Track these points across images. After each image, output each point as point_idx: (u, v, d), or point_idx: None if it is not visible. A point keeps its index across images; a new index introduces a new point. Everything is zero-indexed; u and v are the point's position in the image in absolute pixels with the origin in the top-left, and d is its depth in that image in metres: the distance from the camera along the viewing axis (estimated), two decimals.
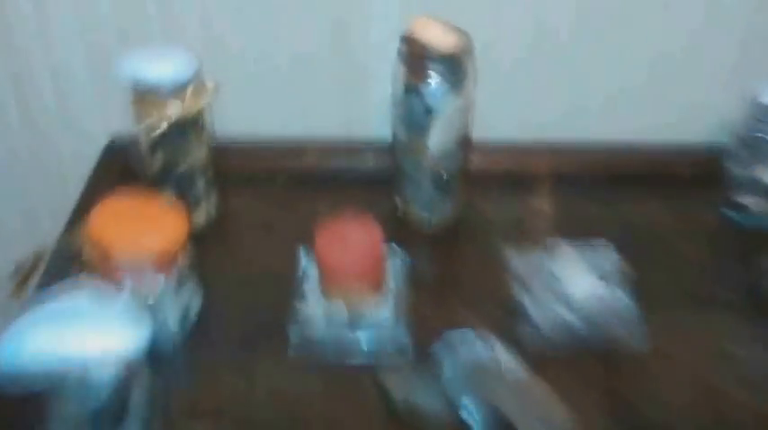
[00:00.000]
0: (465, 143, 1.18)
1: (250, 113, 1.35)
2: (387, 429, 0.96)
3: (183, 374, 1.05)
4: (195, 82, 1.11)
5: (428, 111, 1.13)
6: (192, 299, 1.07)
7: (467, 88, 1.13)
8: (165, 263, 1.00)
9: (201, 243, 1.11)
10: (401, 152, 1.20)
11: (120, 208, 1.02)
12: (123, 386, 0.86)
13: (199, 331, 1.07)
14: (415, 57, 1.11)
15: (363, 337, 1.05)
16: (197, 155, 1.17)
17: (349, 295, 1.05)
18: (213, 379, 1.02)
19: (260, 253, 1.18)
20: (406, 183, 1.21)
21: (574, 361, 1.01)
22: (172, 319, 1.03)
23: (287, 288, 1.08)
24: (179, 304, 1.03)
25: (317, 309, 1.06)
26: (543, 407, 0.94)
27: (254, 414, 0.97)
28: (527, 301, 1.07)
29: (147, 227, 1.00)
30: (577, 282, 1.08)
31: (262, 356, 1.04)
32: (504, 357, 1.00)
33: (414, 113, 1.14)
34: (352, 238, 1.05)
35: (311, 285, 1.09)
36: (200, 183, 1.19)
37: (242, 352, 1.05)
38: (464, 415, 0.94)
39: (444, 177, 1.19)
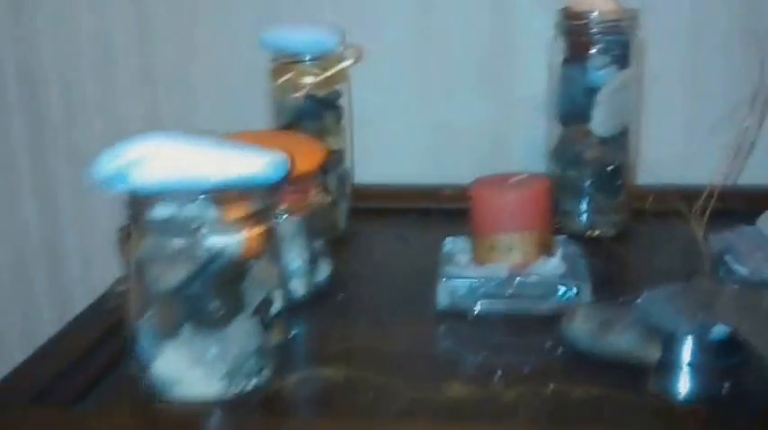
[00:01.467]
0: (632, 131, 1.03)
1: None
2: (563, 373, 0.72)
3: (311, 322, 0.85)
4: (336, 51, 1.02)
5: (590, 89, 1.00)
6: (322, 263, 0.89)
7: (633, 62, 1.00)
8: (299, 188, 0.84)
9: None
10: (558, 150, 1.04)
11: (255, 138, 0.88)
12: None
13: (328, 296, 0.88)
14: (575, 26, 1.00)
15: (527, 290, 0.84)
16: (333, 142, 1.04)
17: (509, 252, 0.85)
18: (346, 329, 0.82)
19: (396, 257, 1.00)
20: (563, 188, 1.04)
21: None
22: (299, 263, 0.85)
23: (430, 277, 0.88)
24: (307, 251, 0.86)
25: (468, 273, 0.86)
26: None
27: (389, 364, 0.75)
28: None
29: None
30: None
31: (402, 317, 0.84)
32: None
33: (574, 93, 1.01)
34: (514, 183, 0.88)
35: (461, 256, 0.90)
36: (333, 178, 1.04)
37: (379, 313, 0.85)
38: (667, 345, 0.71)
39: (610, 168, 1.02)
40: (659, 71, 1.10)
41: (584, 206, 1.03)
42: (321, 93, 1.03)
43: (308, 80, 1.01)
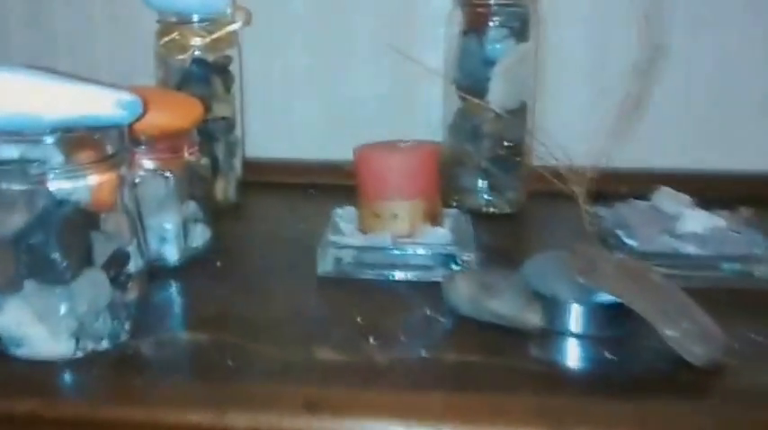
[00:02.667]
0: (530, 107, 0.99)
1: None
2: (441, 339, 0.67)
3: (182, 286, 0.78)
4: (225, 14, 0.95)
5: (488, 62, 0.95)
6: (199, 227, 0.82)
7: (532, 36, 0.97)
8: (171, 146, 0.77)
9: (218, 217, 0.90)
10: (456, 125, 0.99)
11: None
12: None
13: (205, 262, 0.82)
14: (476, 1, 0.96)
15: (410, 259, 0.78)
16: (222, 108, 0.97)
17: (394, 219, 0.80)
18: (219, 294, 0.75)
19: (283, 228, 0.94)
20: (461, 163, 0.99)
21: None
22: (170, 226, 0.78)
23: (315, 246, 0.81)
24: (179, 214, 0.79)
25: (353, 241, 0.81)
26: (667, 294, 0.66)
27: (260, 329, 0.69)
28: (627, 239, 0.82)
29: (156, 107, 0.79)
30: (692, 219, 0.83)
31: (280, 285, 0.78)
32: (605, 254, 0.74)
33: (471, 65, 0.97)
34: (400, 148, 0.83)
35: (347, 225, 0.85)
36: (221, 147, 0.98)
37: (257, 280, 0.79)
38: (549, 309, 0.66)
39: (507, 144, 0.97)
40: (559, 45, 1.06)
41: (479, 182, 0.99)
42: (210, 57, 0.97)
43: (195, 42, 0.94)
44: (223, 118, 0.98)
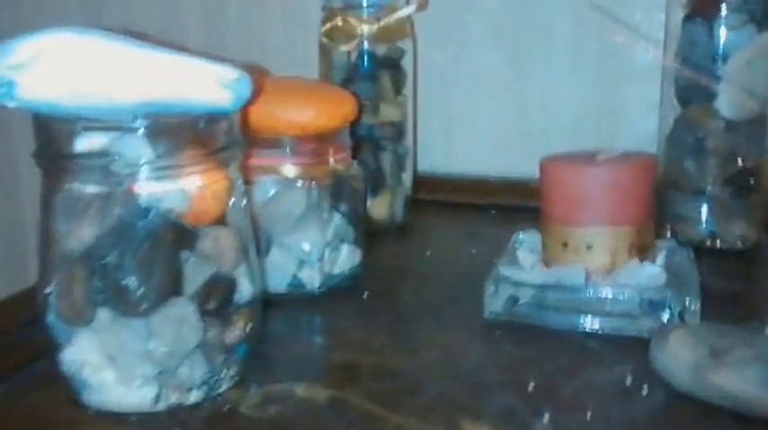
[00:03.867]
0: None
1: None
2: (648, 424, 0.47)
3: (311, 322, 0.63)
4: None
5: (718, 56, 0.73)
6: (346, 250, 0.66)
7: None
8: (315, 150, 0.62)
9: (378, 237, 0.75)
10: (674, 137, 0.78)
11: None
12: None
13: (350, 292, 0.66)
14: None
15: (608, 303, 0.58)
16: (390, 111, 0.81)
17: (588, 251, 0.60)
18: (356, 335, 0.59)
19: (455, 255, 0.77)
20: (678, 186, 0.77)
21: None
22: (310, 246, 0.63)
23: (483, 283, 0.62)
24: (322, 233, 0.63)
25: (533, 276, 0.62)
26: None
27: (395, 386, 0.51)
28: None
29: (296, 100, 0.64)
30: None
31: (435, 327, 0.60)
32: None
33: (696, 60, 0.75)
34: (601, 159, 0.63)
35: (528, 255, 0.66)
36: (388, 157, 0.82)
37: (407, 319, 0.62)
38: None
39: (741, 163, 0.75)
40: None
41: (704, 209, 0.77)
42: (380, 50, 0.81)
43: (361, 30, 0.79)
44: (392, 123, 0.82)
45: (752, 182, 0.76)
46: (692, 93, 0.75)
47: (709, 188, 0.76)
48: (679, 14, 0.76)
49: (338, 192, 0.66)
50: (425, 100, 0.90)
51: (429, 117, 0.92)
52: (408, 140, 0.84)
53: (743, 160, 0.75)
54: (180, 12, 1.01)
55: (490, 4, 0.90)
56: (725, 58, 0.73)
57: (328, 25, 0.80)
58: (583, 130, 0.89)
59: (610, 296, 0.58)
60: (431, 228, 0.85)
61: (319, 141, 0.63)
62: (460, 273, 0.69)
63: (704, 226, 0.77)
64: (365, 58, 0.80)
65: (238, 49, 0.99)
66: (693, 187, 0.77)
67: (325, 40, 0.80)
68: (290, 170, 0.63)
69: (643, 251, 0.61)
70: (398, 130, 0.83)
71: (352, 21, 0.79)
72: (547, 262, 0.63)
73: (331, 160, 0.64)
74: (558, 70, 0.90)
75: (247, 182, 0.58)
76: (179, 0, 1.01)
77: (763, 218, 0.77)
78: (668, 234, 0.76)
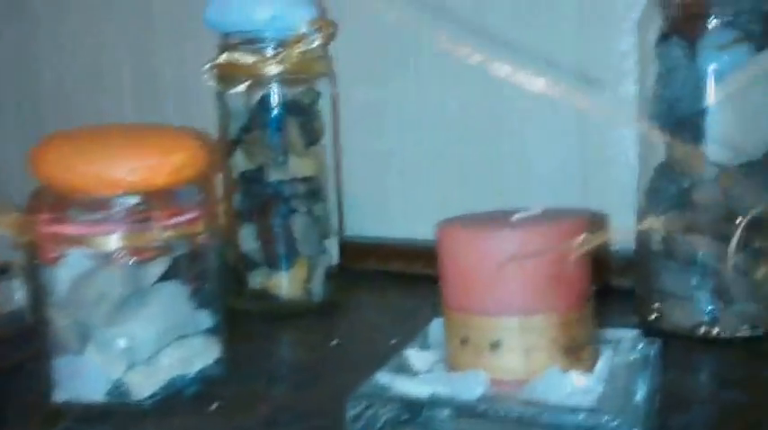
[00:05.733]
0: None
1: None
2: None
3: None
4: (304, 31, 0.63)
5: (704, 83, 0.54)
6: (196, 344, 0.49)
7: None
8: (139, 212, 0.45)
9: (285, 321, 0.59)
10: (656, 190, 0.58)
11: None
12: None
13: (195, 400, 0.48)
14: None
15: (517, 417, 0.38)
16: (301, 165, 0.64)
17: (495, 350, 0.41)
18: None
19: (365, 343, 0.58)
20: (666, 253, 0.57)
21: None
22: (133, 341, 0.45)
23: None
24: (153, 323, 0.46)
25: (414, 389, 0.43)
26: None
27: None
28: None
29: (105, 152, 0.47)
30: None
31: None
32: None
33: (676, 88, 0.56)
34: (516, 220, 0.44)
35: (424, 355, 0.47)
36: (300, 221, 0.64)
37: None
38: None
39: (742, 220, 0.54)
40: None
41: (693, 282, 0.57)
42: (288, 92, 0.64)
43: (264, 70, 0.63)
44: (304, 179, 0.65)
45: (757, 244, 0.55)
46: (672, 131, 0.56)
47: (701, 255, 0.56)
48: (654, 34, 0.57)
49: (182, 266, 0.49)
50: (351, 150, 0.73)
51: (357, 171, 0.74)
52: (329, 199, 0.67)
53: (744, 217, 0.55)
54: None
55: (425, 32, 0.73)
56: (715, 89, 0.54)
57: (222, 64, 0.63)
58: (547, 185, 0.70)
59: (515, 418, 0.39)
60: (356, 308, 0.66)
61: (147, 202, 0.47)
62: (359, 375, 0.51)
63: (699, 306, 0.57)
64: (268, 103, 0.63)
65: (133, 106, 0.84)
66: (682, 254, 0.57)
67: (214, 83, 0.64)
68: (106, 240, 0.46)
69: (573, 351, 0.42)
70: (314, 188, 0.65)
71: (251, 58, 0.62)
72: (449, 363, 0.44)
73: (165, 225, 0.47)
74: (512, 111, 0.71)
75: (52, 257, 0.42)
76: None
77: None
78: (654, 317, 0.57)
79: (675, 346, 0.51)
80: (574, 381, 0.40)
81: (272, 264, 0.64)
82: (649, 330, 0.51)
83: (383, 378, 0.43)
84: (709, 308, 0.56)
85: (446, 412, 0.39)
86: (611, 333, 0.47)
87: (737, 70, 0.53)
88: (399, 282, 0.70)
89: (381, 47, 0.73)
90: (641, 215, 0.59)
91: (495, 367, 0.41)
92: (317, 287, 0.65)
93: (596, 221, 0.44)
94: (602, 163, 0.69)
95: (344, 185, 0.73)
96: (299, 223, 0.64)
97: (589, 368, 0.42)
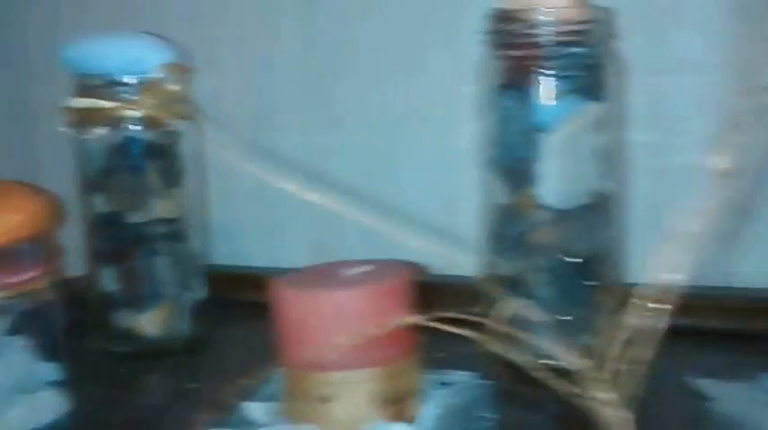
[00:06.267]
0: (612, 200, 0.59)
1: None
2: None
3: None
4: (160, 73, 0.63)
5: (537, 129, 0.57)
6: (41, 399, 0.49)
7: (610, 91, 0.58)
8: None
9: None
10: (496, 234, 0.61)
11: None
12: None
13: None
14: (515, 33, 0.58)
15: None
16: (162, 207, 0.65)
17: (327, 405, 0.43)
18: None
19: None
20: (495, 289, 0.60)
21: None
22: None
23: None
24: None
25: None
26: None
27: None
28: None
29: None
30: None
31: None
32: None
33: (510, 137, 0.59)
34: (346, 276, 0.46)
35: (269, 407, 0.48)
36: (162, 262, 0.65)
37: None
38: None
39: (571, 261, 0.58)
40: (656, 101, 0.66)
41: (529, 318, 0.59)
42: (147, 134, 0.65)
43: (122, 113, 0.63)
44: (166, 220, 0.65)
45: (586, 286, 0.59)
46: (513, 176, 0.59)
47: (538, 294, 0.59)
48: (491, 83, 0.59)
49: (25, 322, 0.49)
50: (220, 188, 0.74)
51: (226, 206, 0.75)
52: (194, 237, 0.68)
53: (575, 257, 0.58)
54: None
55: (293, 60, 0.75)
56: (544, 133, 0.57)
57: (78, 107, 0.63)
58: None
59: None
60: (223, 345, 0.67)
61: None
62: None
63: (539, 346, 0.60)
64: (127, 146, 0.64)
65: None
66: (523, 295, 0.60)
67: (67, 128, 0.64)
68: None
69: (396, 402, 0.44)
70: (176, 228, 0.66)
71: (108, 102, 0.63)
72: (286, 416, 0.46)
73: (4, 284, 0.47)
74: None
75: None
76: None
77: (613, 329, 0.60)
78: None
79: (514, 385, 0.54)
80: None
81: (135, 305, 0.65)
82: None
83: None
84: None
85: None
86: (449, 376, 0.49)
87: (566, 120, 0.57)
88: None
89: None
90: (485, 256, 0.62)
91: (326, 420, 0.43)
92: (182, 325, 0.66)
93: (419, 275, 0.46)
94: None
95: (221, 217, 0.74)
96: (160, 264, 0.65)
97: (411, 417, 0.44)
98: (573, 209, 0.58)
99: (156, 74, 0.62)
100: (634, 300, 0.41)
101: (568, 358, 0.43)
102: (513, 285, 0.59)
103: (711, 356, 0.58)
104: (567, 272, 0.58)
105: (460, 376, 0.49)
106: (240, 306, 0.72)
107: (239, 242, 0.78)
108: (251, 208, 0.77)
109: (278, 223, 0.78)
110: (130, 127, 0.63)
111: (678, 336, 0.60)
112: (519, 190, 0.59)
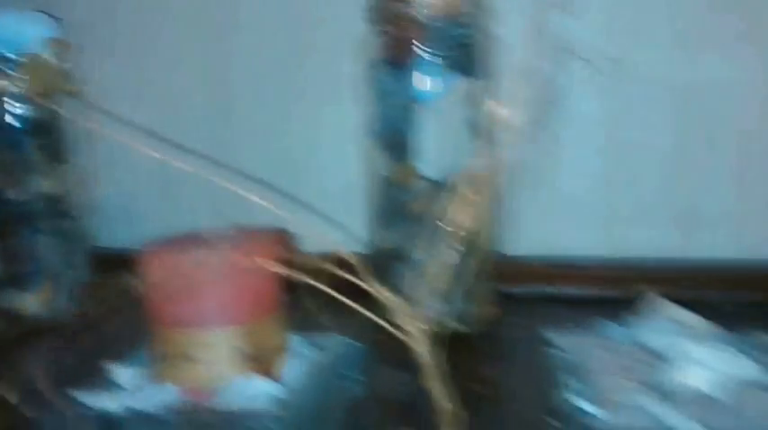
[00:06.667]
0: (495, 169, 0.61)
1: None
2: None
3: None
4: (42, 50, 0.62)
5: (414, 100, 0.58)
6: None
7: (484, 69, 0.59)
8: None
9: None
10: (379, 204, 0.62)
11: None
12: None
13: None
14: (395, 13, 0.59)
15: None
16: (43, 183, 0.64)
17: (191, 363, 0.43)
18: None
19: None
20: (392, 263, 0.61)
21: None
22: None
23: None
24: None
25: (107, 402, 0.44)
26: None
27: None
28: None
29: None
30: (696, 364, 0.42)
31: None
32: None
33: (389, 111, 0.60)
34: (207, 240, 0.46)
35: (136, 370, 0.48)
36: (44, 240, 0.64)
37: None
38: None
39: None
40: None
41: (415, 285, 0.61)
42: (28, 110, 0.64)
43: (5, 88, 0.62)
44: (48, 197, 0.64)
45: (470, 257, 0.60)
46: (394, 148, 0.60)
47: (419, 261, 0.60)
48: (372, 70, 0.60)
49: None
50: (111, 163, 0.73)
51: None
52: (79, 216, 0.67)
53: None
54: None
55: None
56: (424, 106, 0.58)
57: None
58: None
59: (196, 425, 0.41)
60: (105, 322, 0.66)
61: None
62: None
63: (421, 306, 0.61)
64: (5, 122, 0.63)
65: None
66: (405, 263, 0.61)
67: None
68: None
69: (259, 359, 0.44)
70: (59, 206, 0.65)
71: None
72: (153, 377, 0.46)
73: None
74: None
75: None
76: None
77: (489, 295, 0.61)
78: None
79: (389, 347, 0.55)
80: (257, 387, 0.42)
81: (17, 283, 0.63)
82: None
83: (84, 396, 0.44)
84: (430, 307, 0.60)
85: (137, 423, 0.41)
86: (319, 337, 0.50)
87: (442, 95, 0.58)
88: None
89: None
90: (373, 225, 0.63)
91: (189, 378, 0.43)
92: (63, 304, 0.65)
93: (283, 237, 0.47)
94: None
95: (111, 198, 0.73)
96: (42, 242, 0.64)
97: (276, 374, 0.44)
98: (447, 179, 0.59)
99: (38, 49, 0.61)
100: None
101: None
102: (397, 256, 0.60)
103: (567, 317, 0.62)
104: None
105: (329, 338, 0.50)
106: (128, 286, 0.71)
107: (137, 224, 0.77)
108: (144, 187, 0.76)
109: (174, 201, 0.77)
110: (10, 102, 0.62)
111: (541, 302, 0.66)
112: (399, 162, 0.60)
